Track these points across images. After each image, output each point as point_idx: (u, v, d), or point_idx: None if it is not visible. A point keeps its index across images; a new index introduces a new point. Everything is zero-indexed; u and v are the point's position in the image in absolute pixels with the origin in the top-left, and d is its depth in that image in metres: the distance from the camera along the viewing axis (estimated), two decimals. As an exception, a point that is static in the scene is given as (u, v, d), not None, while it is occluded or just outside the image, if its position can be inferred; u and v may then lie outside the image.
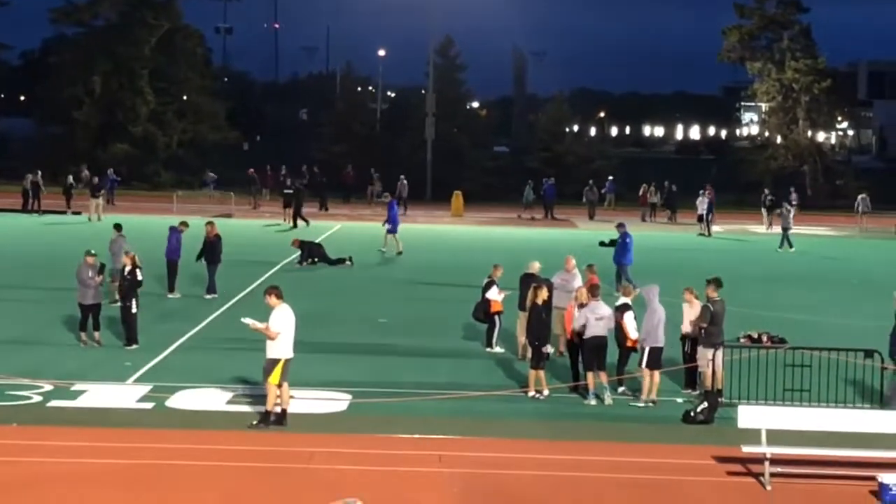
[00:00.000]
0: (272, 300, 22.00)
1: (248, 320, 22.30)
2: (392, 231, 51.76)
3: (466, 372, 27.39)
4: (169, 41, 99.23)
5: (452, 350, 30.09)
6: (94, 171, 73.99)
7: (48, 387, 24.01)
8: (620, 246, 39.97)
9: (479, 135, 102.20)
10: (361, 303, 37.54)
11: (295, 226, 60.29)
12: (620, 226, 41.11)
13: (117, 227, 36.17)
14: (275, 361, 21.70)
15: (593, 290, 25.60)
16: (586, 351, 24.72)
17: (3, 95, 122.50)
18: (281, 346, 21.76)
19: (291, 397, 22.23)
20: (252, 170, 76.73)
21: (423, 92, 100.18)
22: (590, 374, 24.53)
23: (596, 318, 24.68)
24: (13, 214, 65.75)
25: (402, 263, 48.52)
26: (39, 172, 69.56)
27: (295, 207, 61.89)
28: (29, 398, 23.25)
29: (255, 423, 21.79)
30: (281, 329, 21.69)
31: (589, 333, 24.66)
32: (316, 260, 46.46)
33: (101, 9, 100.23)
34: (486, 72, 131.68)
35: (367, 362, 28.15)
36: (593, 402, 24.23)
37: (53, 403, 22.95)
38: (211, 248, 37.16)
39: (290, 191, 63.52)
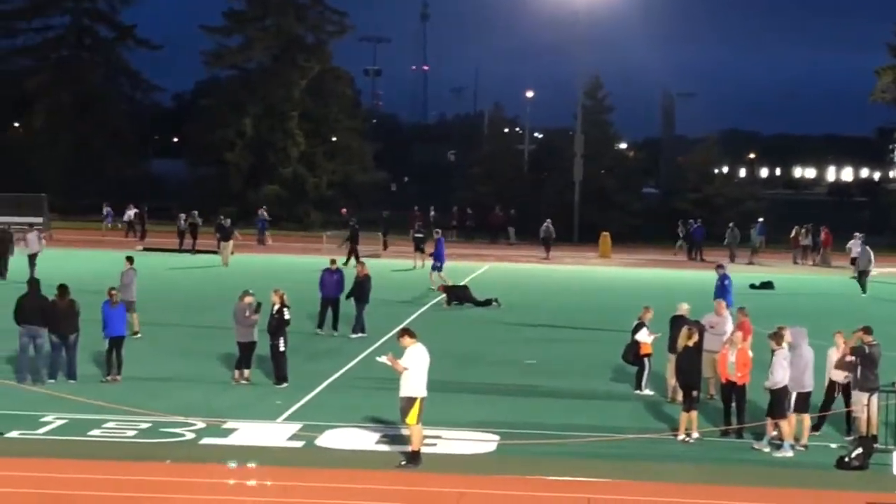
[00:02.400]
0: (405, 340, 22.16)
1: (382, 358, 22.48)
2: (438, 269, 51.29)
3: (615, 414, 27.18)
4: (319, 83, 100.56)
5: (601, 392, 29.89)
6: (239, 213, 75.13)
7: (201, 424, 24.31)
8: (719, 288, 38.83)
9: (626, 176, 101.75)
10: (508, 343, 37.48)
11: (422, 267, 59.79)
12: (720, 267, 40.16)
13: (129, 259, 36.68)
14: (411, 400, 21.76)
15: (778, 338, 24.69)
16: (776, 399, 24.03)
17: (156, 137, 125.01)
18: (415, 385, 21.83)
19: (438, 437, 22.22)
20: (387, 212, 77.01)
21: (570, 133, 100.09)
22: (783, 423, 23.87)
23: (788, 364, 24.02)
24: (168, 254, 66.92)
25: (549, 305, 48.36)
26: (196, 213, 70.75)
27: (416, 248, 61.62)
28: (182, 435, 23.56)
29: (403, 462, 21.83)
30: (411, 365, 21.78)
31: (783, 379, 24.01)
32: (462, 302, 46.52)
33: (253, 52, 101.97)
34: (633, 113, 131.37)
35: (515, 403, 28.09)
36: (789, 453, 23.65)
37: (206, 441, 23.24)
38: (360, 288, 37.46)
39: (420, 235, 62.74)
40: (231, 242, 61.45)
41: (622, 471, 21.97)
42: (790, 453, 23.53)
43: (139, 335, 34.99)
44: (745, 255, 71.61)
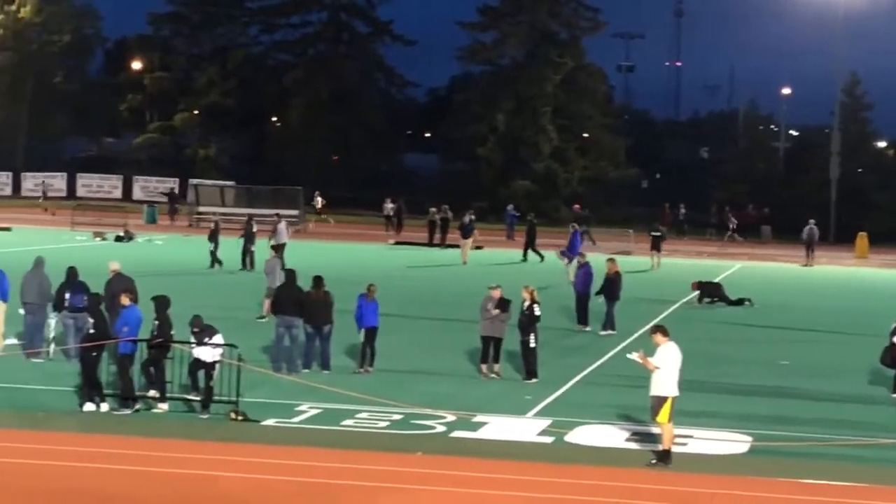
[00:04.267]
0: (658, 338, 21.85)
1: (633, 355, 22.25)
2: (569, 258, 49.45)
3: (872, 417, 26.41)
4: (572, 79, 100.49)
5: (857, 395, 29.10)
6: (490, 208, 75.45)
7: (451, 417, 24.44)
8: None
9: (885, 175, 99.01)
10: (761, 344, 36.85)
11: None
12: None
13: (274, 248, 38.06)
14: (661, 399, 21.48)
15: None
16: None
17: (410, 132, 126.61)
18: (666, 384, 21.52)
19: (689, 437, 21.90)
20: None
21: (826, 131, 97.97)
22: None
23: None
24: (418, 248, 67.70)
25: (802, 306, 47.41)
26: (447, 207, 71.31)
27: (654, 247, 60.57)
28: (433, 428, 23.72)
29: (653, 461, 21.58)
30: (662, 364, 21.49)
31: None
32: (715, 300, 45.89)
33: (507, 48, 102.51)
34: (894, 110, 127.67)
35: (768, 404, 27.53)
36: None
37: (456, 434, 23.35)
38: (611, 285, 37.22)
39: (658, 233, 61.27)
40: (470, 240, 61.54)
41: (879, 476, 21.31)
42: None
43: (266, 319, 35.13)
44: None
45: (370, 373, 28.80)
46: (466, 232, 61.53)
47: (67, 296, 28.45)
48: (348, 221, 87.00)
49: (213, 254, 50.76)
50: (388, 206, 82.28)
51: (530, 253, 61.22)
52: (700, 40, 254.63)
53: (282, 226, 53.72)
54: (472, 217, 64.73)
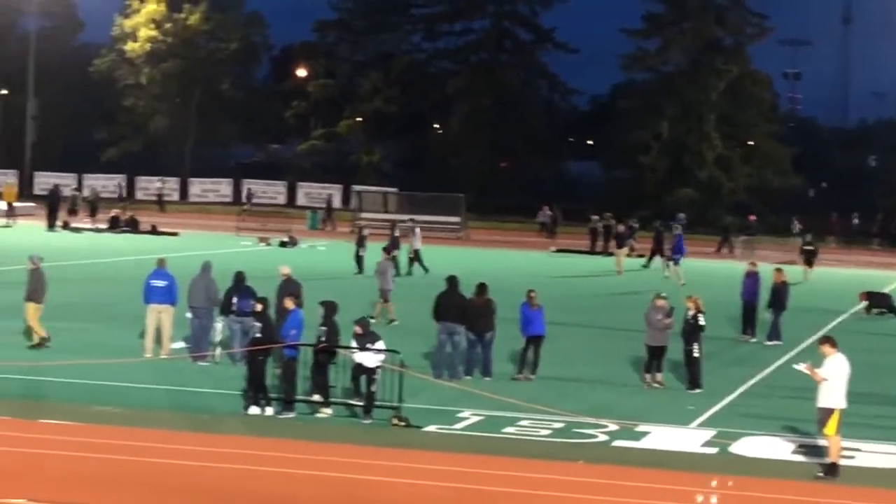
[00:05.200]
0: (826, 349, 21.45)
1: (800, 366, 21.85)
2: (675, 262, 52.12)
3: None
4: (737, 86, 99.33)
5: None
6: (652, 216, 74.69)
7: (613, 426, 24.22)
8: None
9: None
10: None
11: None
12: None
13: (385, 249, 40.32)
14: (829, 411, 21.06)
15: None
16: None
17: (571, 139, 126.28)
18: (833, 396, 21.09)
19: (857, 450, 21.44)
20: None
21: None
22: None
23: None
24: (580, 255, 67.40)
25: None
26: (609, 215, 70.82)
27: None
28: (594, 436, 23.53)
29: (820, 474, 21.14)
30: (830, 376, 21.04)
31: None
32: (884, 311, 44.95)
33: (671, 55, 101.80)
34: None
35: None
36: None
37: (618, 443, 23.12)
38: (777, 294, 36.63)
39: (811, 247, 59.35)
40: (625, 250, 60.85)
41: None
42: None
43: (396, 322, 36.01)
44: None
45: (531, 380, 28.69)
46: (621, 241, 61.07)
47: (235, 300, 28.82)
48: (504, 228, 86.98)
49: (359, 259, 51.31)
50: (544, 213, 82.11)
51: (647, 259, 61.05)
52: (868, 46, 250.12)
53: (418, 231, 54.67)
54: (635, 225, 64.18)
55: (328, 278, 45.70)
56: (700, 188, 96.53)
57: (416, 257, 52.54)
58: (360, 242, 51.88)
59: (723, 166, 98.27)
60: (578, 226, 78.45)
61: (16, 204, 77.30)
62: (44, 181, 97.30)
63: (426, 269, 51.16)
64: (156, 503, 18.37)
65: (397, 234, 52.33)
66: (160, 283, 29.80)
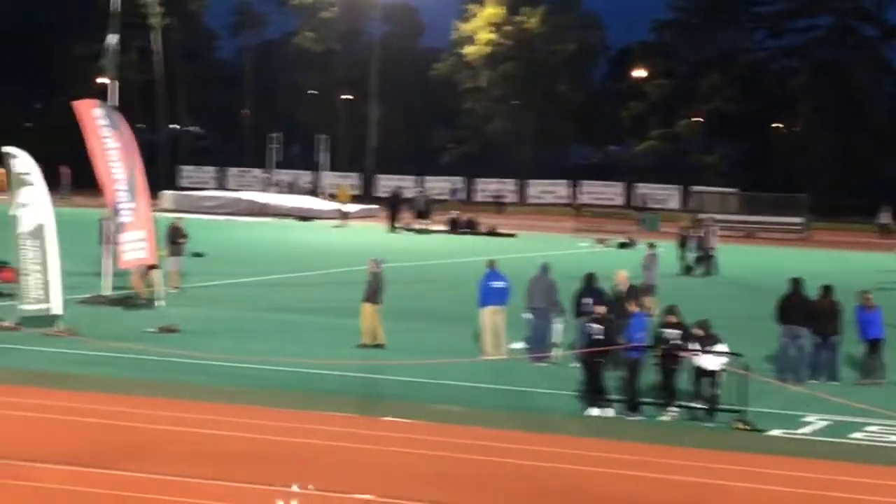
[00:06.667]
0: None
1: None
2: None
3: None
4: None
5: None
6: None
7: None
8: None
9: None
10: None
11: None
12: None
13: (651, 245, 39.63)
14: None
15: None
16: None
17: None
18: None
19: None
20: None
21: None
22: None
23: None
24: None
25: None
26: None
27: None
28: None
29: None
30: None
31: None
32: None
33: None
34: None
35: None
36: None
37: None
38: None
39: None
40: None
41: None
42: None
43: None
44: None
45: (880, 385, 27.69)
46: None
47: (585, 301, 28.69)
48: (843, 229, 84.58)
49: (684, 259, 51.83)
50: (886, 214, 79.50)
51: None
52: None
53: (714, 230, 54.14)
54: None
55: (665, 279, 45.25)
56: None
57: (706, 256, 51.79)
58: (683, 243, 52.08)
59: None
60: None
61: (350, 206, 79.61)
62: (385, 184, 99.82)
63: (710, 272, 51.41)
64: (496, 502, 18.43)
65: (699, 233, 52.52)
66: (499, 285, 30.04)
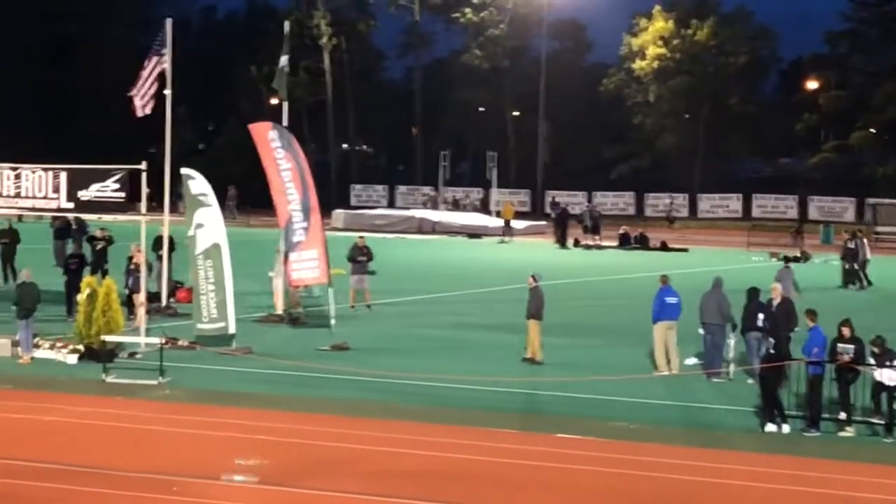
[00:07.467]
0: None
1: None
2: None
3: None
4: None
5: None
6: None
7: None
8: None
9: None
10: None
11: None
12: None
13: (785, 258, 40.63)
14: None
15: None
16: None
17: None
18: None
19: None
20: None
21: None
22: None
23: None
24: None
25: None
26: None
27: None
28: None
29: None
30: None
31: None
32: None
33: None
34: None
35: None
36: None
37: None
38: None
39: None
40: None
41: None
42: None
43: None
44: None
45: None
46: None
47: (757, 316, 28.19)
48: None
49: (847, 272, 50.81)
50: None
51: None
52: None
53: (863, 242, 52.49)
54: None
55: (826, 291, 44.49)
56: None
57: (860, 268, 50.83)
58: (846, 255, 51.21)
59: None
60: None
61: (516, 222, 79.56)
62: (551, 200, 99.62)
63: (863, 284, 50.27)
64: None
65: (852, 245, 51.26)
66: (673, 300, 29.74)
